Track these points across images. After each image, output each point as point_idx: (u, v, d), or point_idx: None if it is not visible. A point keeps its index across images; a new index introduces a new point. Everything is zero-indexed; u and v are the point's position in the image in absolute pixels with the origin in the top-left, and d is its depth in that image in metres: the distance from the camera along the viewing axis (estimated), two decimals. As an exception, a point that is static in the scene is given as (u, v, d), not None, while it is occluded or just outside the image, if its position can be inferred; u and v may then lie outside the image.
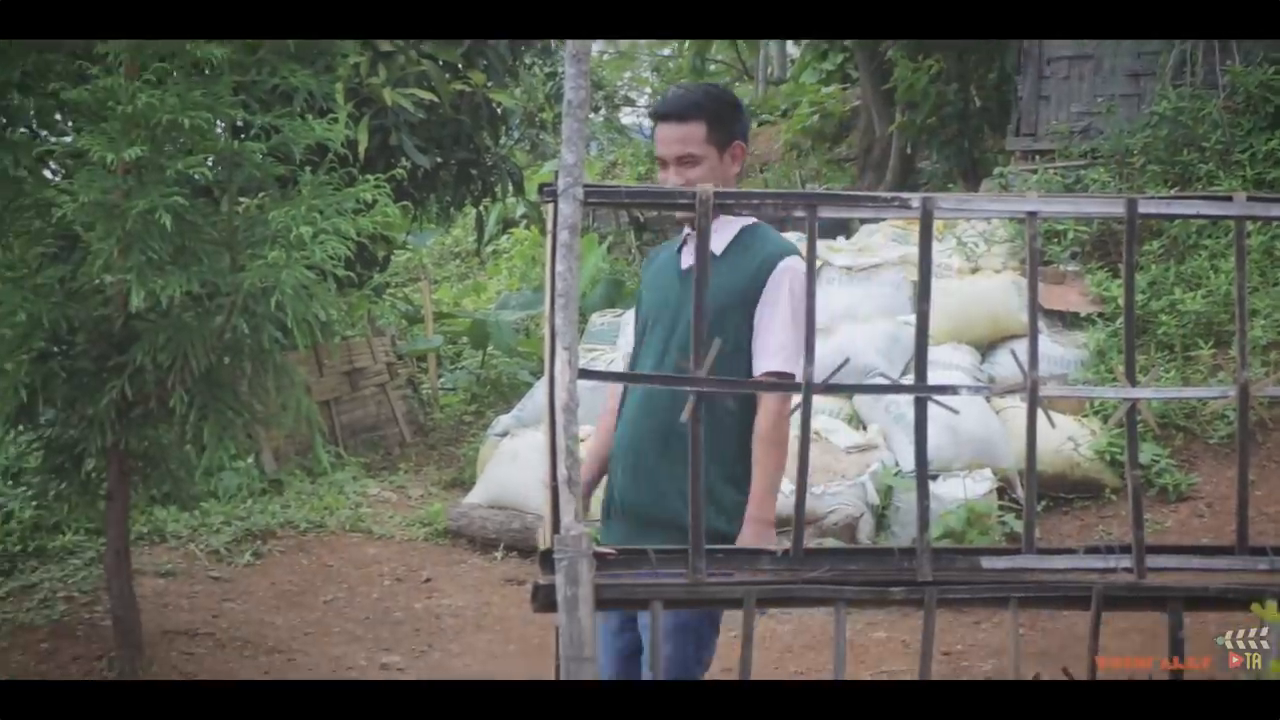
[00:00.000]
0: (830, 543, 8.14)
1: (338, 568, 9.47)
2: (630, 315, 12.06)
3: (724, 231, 4.13)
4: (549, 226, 3.39)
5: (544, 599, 4.57)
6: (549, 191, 3.33)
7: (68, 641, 8.13)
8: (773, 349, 4.05)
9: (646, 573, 3.42)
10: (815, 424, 7.59)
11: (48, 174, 7.21)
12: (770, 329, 4.05)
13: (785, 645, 7.80)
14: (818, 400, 4.36)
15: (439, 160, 12.38)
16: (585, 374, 3.69)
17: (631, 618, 4.35)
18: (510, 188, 13.38)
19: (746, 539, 4.01)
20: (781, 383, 3.97)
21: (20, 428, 7.62)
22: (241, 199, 7.32)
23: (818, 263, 4.25)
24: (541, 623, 7.88)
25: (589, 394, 5.23)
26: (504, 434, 11.18)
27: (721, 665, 7.21)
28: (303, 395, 7.65)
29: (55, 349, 7.07)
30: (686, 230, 4.22)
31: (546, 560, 4.47)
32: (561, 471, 3.80)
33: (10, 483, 10.37)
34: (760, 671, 6.19)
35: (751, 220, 4.18)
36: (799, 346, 4.02)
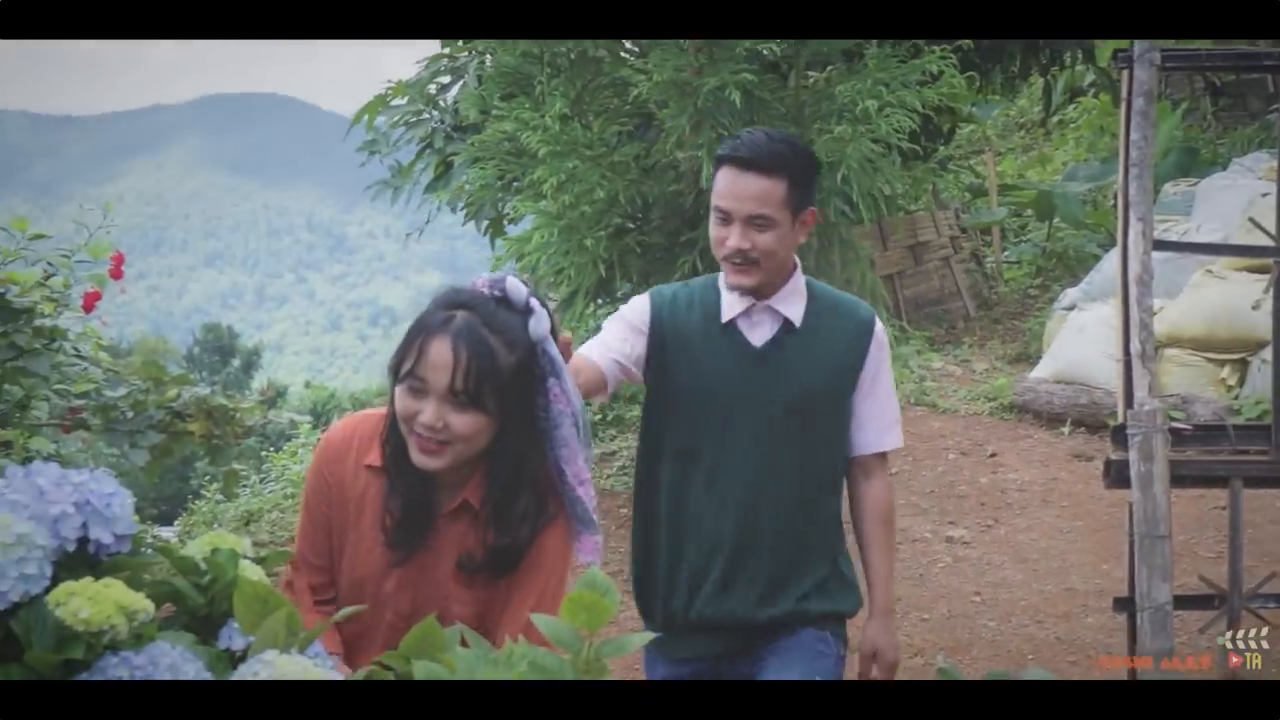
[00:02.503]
0: None
1: (904, 440, 9.61)
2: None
3: (796, 299, 3.46)
4: (1123, 93, 3.30)
5: (1116, 475, 4.52)
6: (1124, 57, 3.24)
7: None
8: (890, 422, 3.57)
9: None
10: None
11: (624, 54, 7.56)
12: (879, 404, 3.53)
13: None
14: None
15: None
16: (1160, 245, 3.58)
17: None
18: (1079, 55, 12.92)
19: (876, 633, 3.52)
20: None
21: (599, 300, 8.11)
22: (809, 73, 7.44)
23: None
24: (1112, 499, 7.77)
25: (1161, 266, 5.05)
26: (1071, 307, 10.93)
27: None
28: (867, 269, 7.76)
29: (630, 225, 7.45)
30: (729, 282, 3.43)
31: (1119, 435, 4.40)
32: (1135, 345, 3.72)
33: (589, 354, 11.08)
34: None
35: (802, 278, 3.50)
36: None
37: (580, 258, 7.13)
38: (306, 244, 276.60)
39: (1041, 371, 10.45)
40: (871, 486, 3.57)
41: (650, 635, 1.90)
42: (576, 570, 2.70)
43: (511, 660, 1.73)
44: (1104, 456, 4.31)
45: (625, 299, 7.89)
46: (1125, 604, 4.49)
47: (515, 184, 7.98)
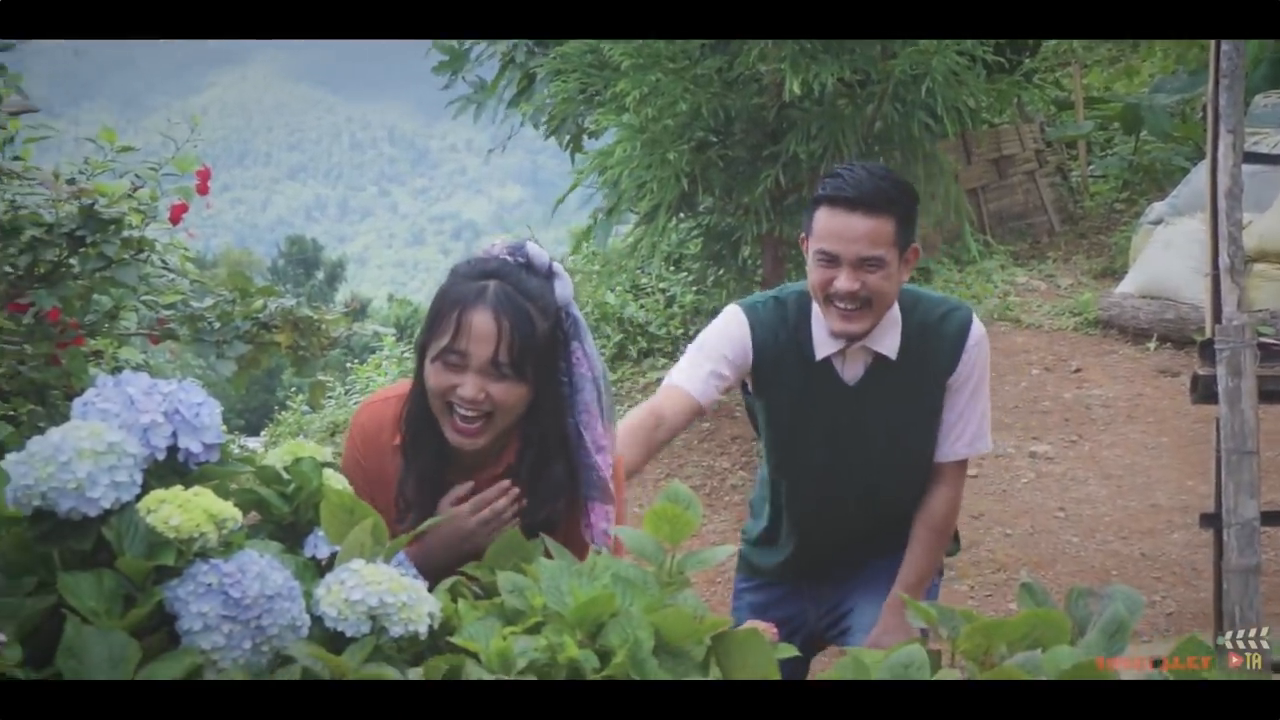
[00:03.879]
0: None
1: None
2: None
3: (892, 332, 3.32)
4: (1215, 2, 3.23)
5: (1204, 390, 4.48)
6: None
7: (727, 422, 8.68)
8: (975, 433, 3.42)
9: None
10: None
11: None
12: (974, 412, 3.41)
13: None
14: None
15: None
16: (1250, 157, 3.51)
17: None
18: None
19: (890, 629, 3.38)
20: None
21: (681, 215, 8.10)
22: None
23: None
24: (1197, 415, 7.70)
25: (1251, 179, 4.94)
26: (1158, 221, 10.77)
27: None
28: (951, 183, 7.69)
29: (713, 138, 7.42)
30: (835, 328, 3.28)
31: (1206, 350, 4.35)
32: (1224, 259, 3.67)
33: (672, 268, 11.07)
34: None
35: (897, 307, 3.34)
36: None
37: (663, 172, 7.11)
38: (389, 157, 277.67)
39: (1127, 286, 10.33)
40: (938, 492, 3.47)
41: (732, 549, 1.91)
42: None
43: (595, 572, 1.74)
44: (1190, 372, 4.26)
45: (707, 213, 7.95)
46: (1212, 520, 4.47)
47: (597, 97, 7.96)
